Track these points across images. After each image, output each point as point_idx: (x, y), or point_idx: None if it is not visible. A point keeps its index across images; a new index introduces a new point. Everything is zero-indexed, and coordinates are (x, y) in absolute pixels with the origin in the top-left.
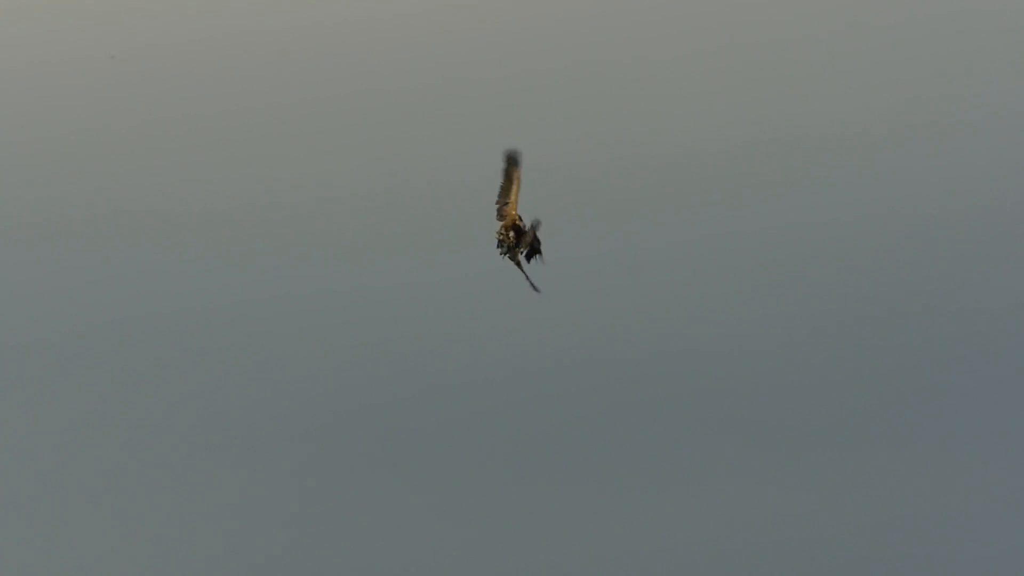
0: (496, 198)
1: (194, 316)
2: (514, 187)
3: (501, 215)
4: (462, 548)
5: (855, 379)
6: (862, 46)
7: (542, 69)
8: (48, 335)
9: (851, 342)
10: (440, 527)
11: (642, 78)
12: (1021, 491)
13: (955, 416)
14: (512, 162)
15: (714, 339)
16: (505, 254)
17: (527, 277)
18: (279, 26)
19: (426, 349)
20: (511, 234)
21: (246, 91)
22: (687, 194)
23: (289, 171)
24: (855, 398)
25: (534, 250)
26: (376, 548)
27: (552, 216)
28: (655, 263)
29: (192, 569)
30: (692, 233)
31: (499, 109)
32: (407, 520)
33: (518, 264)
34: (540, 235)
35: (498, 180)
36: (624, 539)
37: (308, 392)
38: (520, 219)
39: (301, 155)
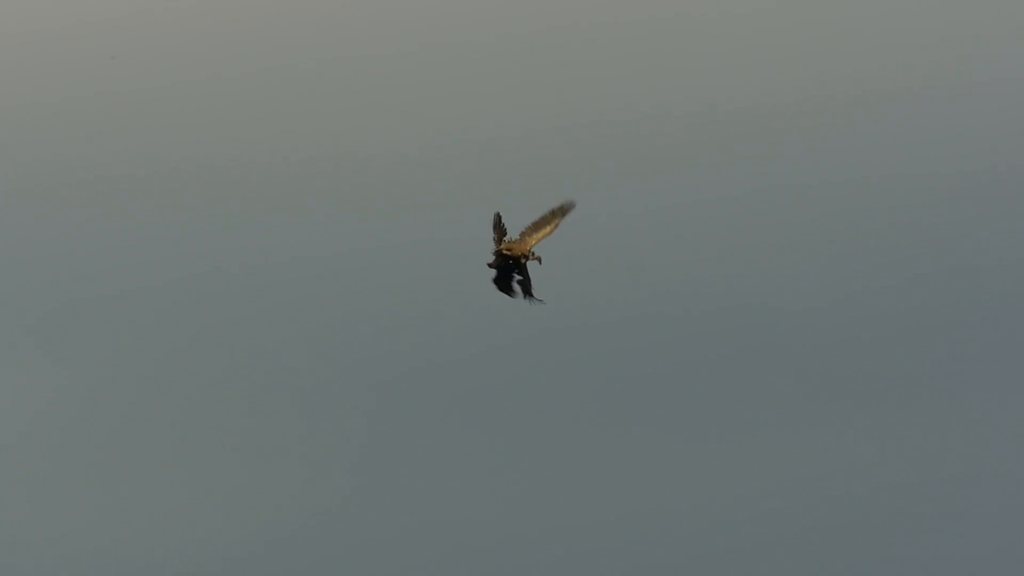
0: (528, 223)
1: (263, 272)
2: (549, 229)
3: (518, 240)
4: (529, 497)
5: (917, 333)
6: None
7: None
8: (125, 290)
9: (918, 296)
10: (506, 478)
11: (699, 34)
12: None
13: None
14: (563, 211)
15: (778, 294)
16: (495, 265)
17: (522, 289)
18: None
19: (490, 304)
20: (510, 261)
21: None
22: (755, 146)
23: (369, 124)
24: (916, 352)
25: (525, 285)
26: (441, 498)
27: (616, 170)
28: (717, 217)
29: (261, 517)
30: (755, 186)
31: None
32: (472, 470)
33: (506, 284)
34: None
35: (546, 208)
36: (687, 489)
37: (378, 345)
38: (532, 255)
39: (381, 110)
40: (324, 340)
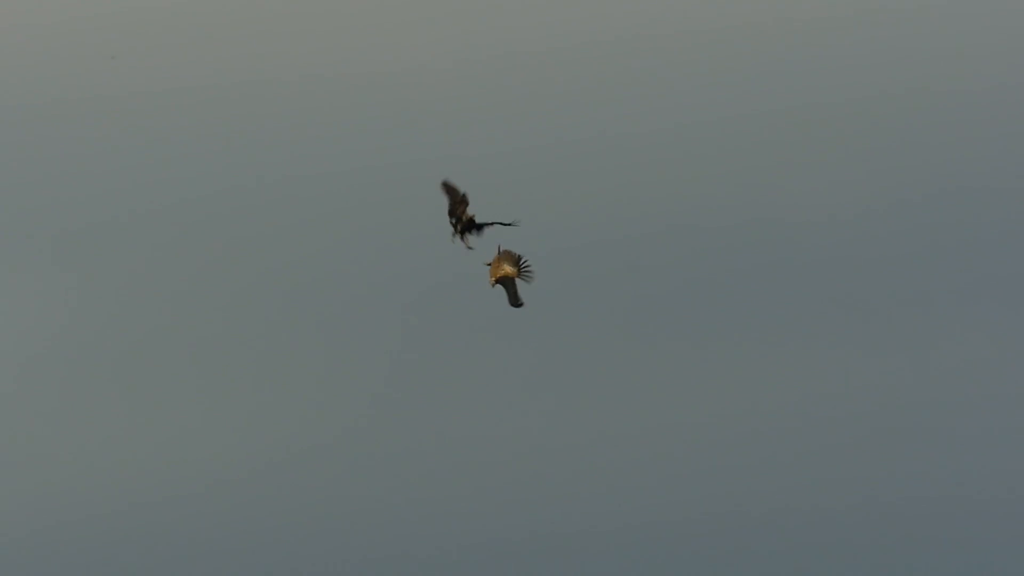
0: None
1: (287, 186)
2: (511, 272)
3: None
4: (555, 412)
5: (934, 249)
6: None
7: None
8: (148, 207)
9: (937, 212)
10: (532, 393)
11: None
12: None
13: None
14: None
15: (795, 208)
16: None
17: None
18: None
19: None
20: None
21: None
22: (773, 61)
23: (396, 35)
24: (933, 269)
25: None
26: (482, 411)
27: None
28: (736, 132)
29: (285, 432)
30: (775, 101)
31: None
32: (515, 382)
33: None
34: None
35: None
36: (703, 402)
37: (406, 259)
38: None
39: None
40: (350, 254)
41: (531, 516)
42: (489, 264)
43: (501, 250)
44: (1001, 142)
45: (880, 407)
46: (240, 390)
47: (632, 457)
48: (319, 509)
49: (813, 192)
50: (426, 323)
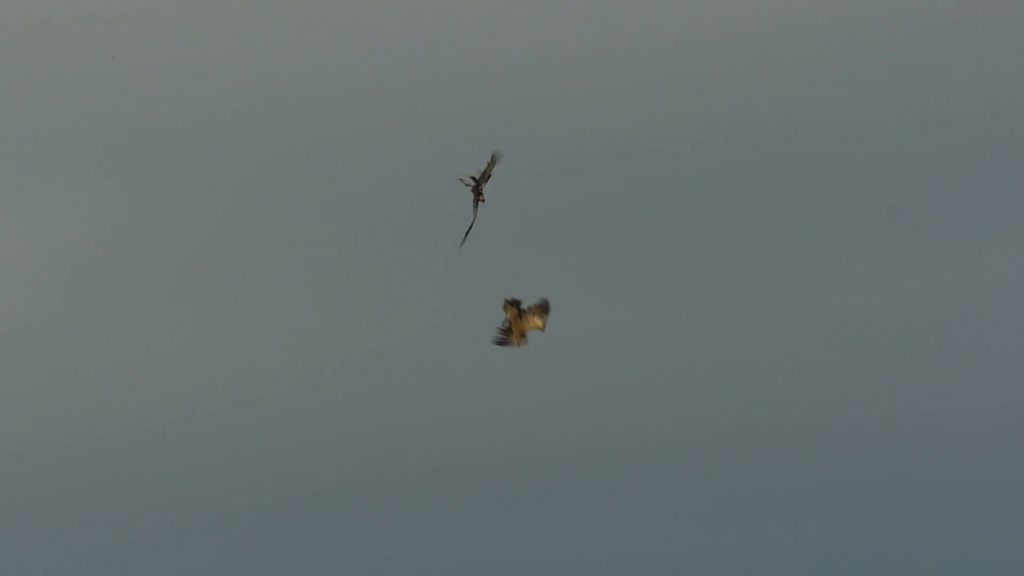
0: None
1: (330, 101)
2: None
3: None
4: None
5: (972, 168)
6: None
7: None
8: (192, 121)
9: (975, 130)
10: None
11: None
12: None
13: None
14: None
15: (833, 122)
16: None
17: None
18: None
19: (555, 134)
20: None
21: None
22: None
23: None
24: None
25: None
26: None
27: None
28: (773, 48)
29: (326, 345)
30: (811, 15)
31: None
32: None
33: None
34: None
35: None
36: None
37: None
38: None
39: None
40: (393, 168)
41: (584, 428)
42: (510, 320)
43: (523, 306)
44: None
45: (923, 320)
46: (288, 300)
47: (660, 369)
48: (370, 419)
49: (851, 106)
50: (478, 236)
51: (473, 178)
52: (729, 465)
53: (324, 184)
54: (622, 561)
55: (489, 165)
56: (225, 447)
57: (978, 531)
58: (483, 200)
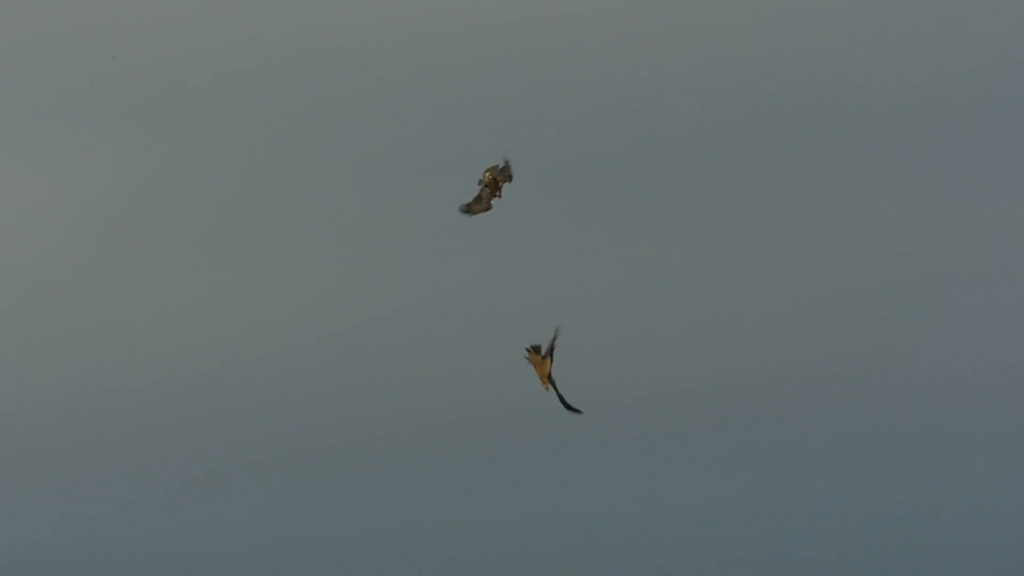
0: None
1: (366, 50)
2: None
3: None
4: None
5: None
6: None
7: None
8: (222, 71)
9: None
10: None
11: None
12: None
13: None
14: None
15: (867, 73)
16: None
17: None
18: None
19: (593, 82)
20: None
21: None
22: None
23: None
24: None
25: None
26: (555, 275)
27: None
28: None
29: (362, 297)
30: None
31: None
32: (599, 243)
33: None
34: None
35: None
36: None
37: (491, 117)
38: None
39: None
40: (428, 117)
41: (622, 379)
42: (533, 361)
43: (544, 350)
44: None
45: (950, 272)
46: (320, 251)
47: (688, 320)
48: (404, 371)
49: (883, 58)
50: (513, 183)
51: (493, 179)
52: (747, 417)
53: (356, 135)
54: (639, 514)
55: (503, 172)
56: (255, 398)
57: (988, 483)
58: (499, 196)
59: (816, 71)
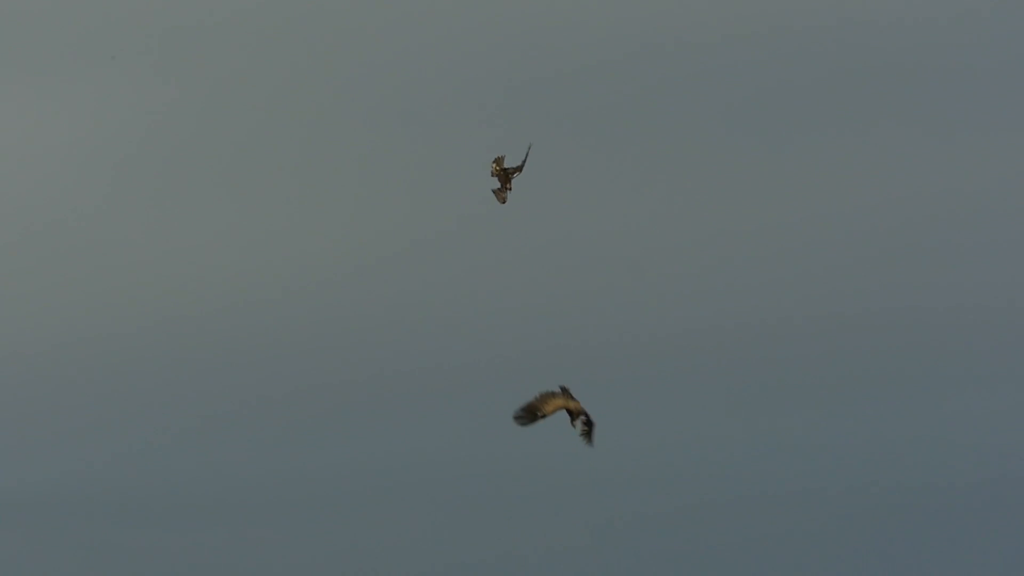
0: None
1: None
2: (572, 405)
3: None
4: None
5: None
6: None
7: None
8: (236, 11)
9: None
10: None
11: None
12: None
13: None
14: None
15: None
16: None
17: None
18: None
19: (616, 18)
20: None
21: None
22: None
23: None
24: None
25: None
26: (578, 213)
27: None
28: None
29: (378, 235)
30: None
31: None
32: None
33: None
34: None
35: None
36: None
37: (505, 55)
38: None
39: None
40: (443, 53)
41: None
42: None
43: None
44: None
45: (955, 210)
46: (335, 188)
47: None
48: (418, 309)
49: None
50: (526, 119)
51: (505, 170)
52: (752, 356)
53: (371, 71)
54: (644, 453)
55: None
56: (271, 335)
57: (992, 423)
58: (510, 189)
59: (822, 8)
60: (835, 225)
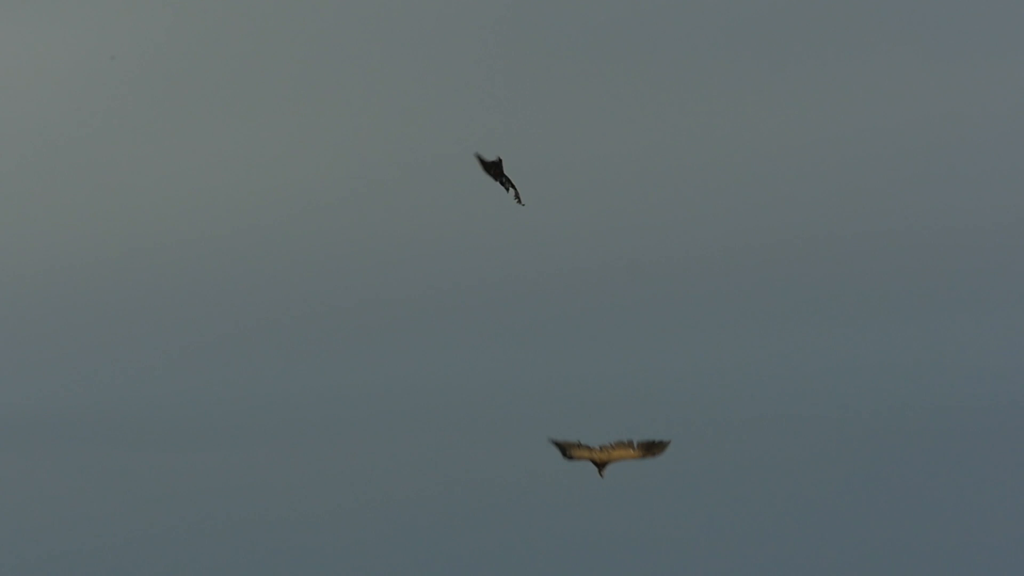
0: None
1: None
2: (633, 454)
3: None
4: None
5: None
6: None
7: None
8: None
9: None
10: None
11: None
12: None
13: None
14: (654, 448)
15: None
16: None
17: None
18: None
19: None
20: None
21: None
22: None
23: None
24: None
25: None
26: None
27: None
28: None
29: (376, 157)
30: None
31: None
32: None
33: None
34: None
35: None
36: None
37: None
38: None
39: None
40: None
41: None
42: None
43: (636, 444)
44: None
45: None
46: (335, 115)
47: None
48: (415, 231)
49: None
50: (523, 44)
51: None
52: (759, 276)
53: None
54: (652, 373)
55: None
56: (270, 259)
57: (995, 344)
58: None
59: None
60: (839, 145)
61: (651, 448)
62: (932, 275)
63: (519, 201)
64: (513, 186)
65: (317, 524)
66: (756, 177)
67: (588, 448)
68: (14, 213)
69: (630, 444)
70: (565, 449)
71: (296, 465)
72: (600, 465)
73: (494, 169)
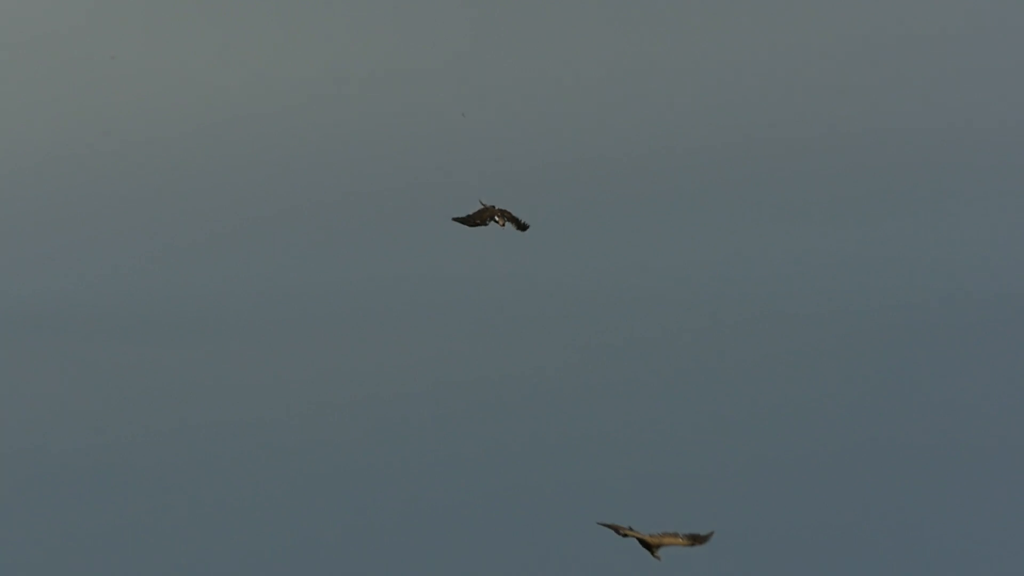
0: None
1: None
2: (681, 542)
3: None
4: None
5: None
6: None
7: None
8: None
9: None
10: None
11: None
12: None
13: None
14: (699, 539)
15: None
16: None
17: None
18: None
19: None
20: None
21: None
22: None
23: None
24: None
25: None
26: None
27: None
28: None
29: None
30: None
31: None
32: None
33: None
34: None
35: None
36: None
37: None
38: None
39: None
40: None
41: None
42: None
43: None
44: None
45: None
46: (326, 10)
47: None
48: (407, 129)
49: None
50: None
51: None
52: (761, 176)
53: None
54: (655, 270)
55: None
56: (263, 154)
57: (996, 240)
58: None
59: None
60: (841, 44)
61: (696, 539)
62: (926, 173)
63: (521, 228)
64: (510, 219)
65: (312, 422)
66: (751, 78)
67: (638, 533)
68: (2, 107)
69: (676, 534)
70: (617, 530)
71: (289, 357)
72: (652, 548)
73: (478, 217)
